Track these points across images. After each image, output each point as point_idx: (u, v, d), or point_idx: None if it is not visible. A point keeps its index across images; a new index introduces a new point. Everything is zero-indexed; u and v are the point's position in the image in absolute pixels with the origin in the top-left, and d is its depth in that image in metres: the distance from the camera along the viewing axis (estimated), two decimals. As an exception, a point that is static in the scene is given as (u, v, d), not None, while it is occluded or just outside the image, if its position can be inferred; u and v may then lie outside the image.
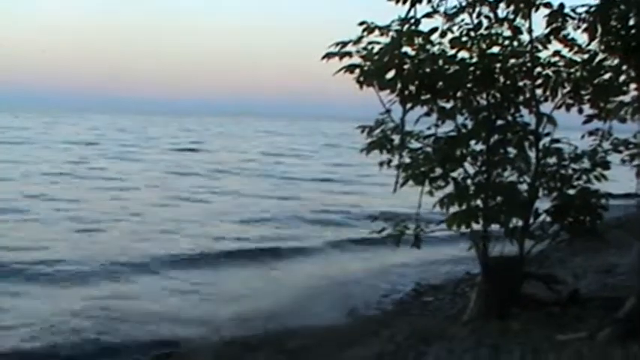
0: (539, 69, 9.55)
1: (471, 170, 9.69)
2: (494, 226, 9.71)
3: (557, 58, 9.54)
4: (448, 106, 9.54)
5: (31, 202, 25.18)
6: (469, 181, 9.66)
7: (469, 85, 9.47)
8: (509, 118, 9.68)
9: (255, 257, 17.57)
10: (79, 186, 30.99)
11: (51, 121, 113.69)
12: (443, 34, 9.40)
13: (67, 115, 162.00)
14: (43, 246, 17.51)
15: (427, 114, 9.53)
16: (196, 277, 15.31)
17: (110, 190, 29.80)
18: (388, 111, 9.48)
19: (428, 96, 9.36)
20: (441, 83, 9.28)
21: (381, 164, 9.78)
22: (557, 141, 9.69)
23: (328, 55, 9.11)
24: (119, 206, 25.08)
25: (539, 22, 9.31)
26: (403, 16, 9.16)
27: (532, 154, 9.59)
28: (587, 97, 9.54)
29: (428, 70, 9.18)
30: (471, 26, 9.47)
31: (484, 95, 9.57)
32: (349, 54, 9.12)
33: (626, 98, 9.43)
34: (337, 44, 9.11)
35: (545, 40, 9.45)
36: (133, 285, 14.66)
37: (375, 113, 9.64)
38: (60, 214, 22.66)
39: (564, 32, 9.33)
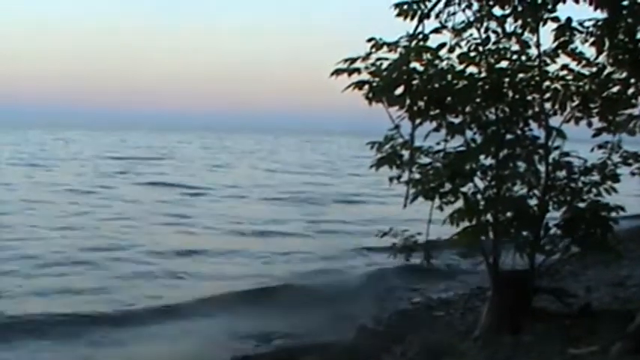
0: (547, 83, 9.56)
1: (481, 185, 9.68)
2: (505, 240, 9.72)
3: (565, 72, 9.55)
4: (457, 121, 9.54)
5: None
6: (479, 196, 9.65)
7: (478, 100, 9.48)
8: (519, 132, 9.68)
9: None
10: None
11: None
12: (451, 50, 9.44)
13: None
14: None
15: (436, 129, 9.54)
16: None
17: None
18: (397, 127, 9.49)
19: (437, 111, 9.37)
20: (449, 98, 9.29)
21: (390, 179, 9.79)
22: (567, 154, 9.69)
23: (337, 72, 9.13)
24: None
25: (547, 36, 9.35)
26: (411, 31, 9.21)
27: (542, 167, 9.58)
28: (595, 111, 9.56)
29: (436, 85, 9.19)
30: (479, 41, 9.51)
31: (493, 110, 9.58)
32: (358, 70, 9.12)
33: (635, 111, 9.44)
34: (346, 60, 9.13)
35: (553, 54, 9.47)
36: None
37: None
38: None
39: (572, 46, 9.35)
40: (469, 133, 9.65)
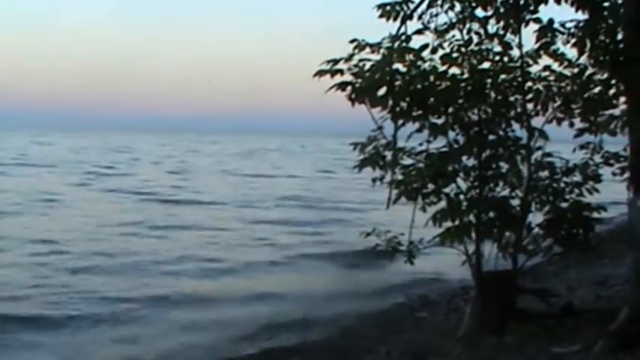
0: (529, 84, 9.63)
1: (464, 186, 9.73)
2: (488, 241, 9.76)
3: (547, 73, 9.63)
4: (440, 122, 9.59)
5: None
6: (461, 197, 9.70)
7: (460, 101, 9.53)
8: (501, 133, 9.75)
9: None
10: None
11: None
12: (434, 51, 9.48)
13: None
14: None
15: (419, 130, 9.57)
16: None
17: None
18: (380, 128, 9.51)
19: (419, 112, 9.41)
20: (432, 99, 9.34)
21: (373, 180, 9.81)
22: (549, 155, 9.75)
23: (320, 73, 9.13)
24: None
25: (529, 37, 9.40)
26: (394, 33, 9.23)
27: (524, 168, 9.64)
28: (577, 111, 9.64)
29: (419, 86, 9.24)
30: (461, 42, 9.57)
31: (475, 111, 9.63)
32: (341, 71, 9.15)
33: (616, 112, 9.53)
34: (329, 62, 9.14)
35: (535, 55, 9.53)
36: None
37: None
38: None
39: (554, 47, 9.42)
40: (452, 134, 9.70)
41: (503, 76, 9.60)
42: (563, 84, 9.57)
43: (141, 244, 21.35)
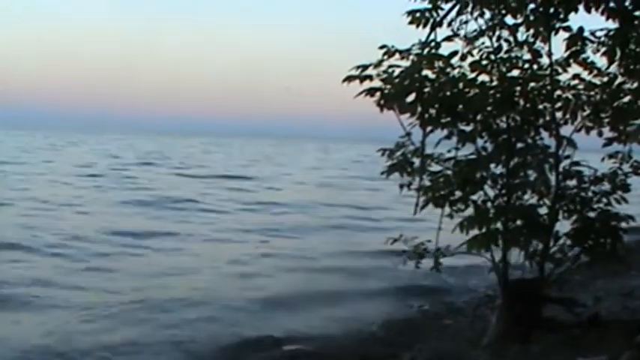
0: (558, 92, 9.59)
1: (491, 193, 9.69)
2: (515, 249, 9.72)
3: (576, 81, 9.58)
4: (468, 129, 9.58)
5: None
6: (489, 204, 9.66)
7: (489, 108, 9.51)
8: (529, 140, 9.70)
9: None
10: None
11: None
12: (463, 58, 9.46)
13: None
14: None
15: (447, 137, 9.58)
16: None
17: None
18: (408, 134, 9.52)
19: (448, 119, 9.40)
20: (461, 106, 9.32)
21: (401, 186, 9.81)
22: (577, 164, 9.70)
23: (349, 79, 9.16)
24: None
25: (558, 45, 9.37)
26: (424, 39, 9.25)
27: (552, 176, 9.60)
28: (606, 120, 9.59)
29: (448, 93, 9.21)
30: (491, 49, 9.53)
31: (504, 118, 9.60)
32: (370, 77, 9.16)
33: (645, 121, 9.46)
34: (358, 67, 9.16)
35: (564, 64, 9.49)
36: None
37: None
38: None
39: (584, 55, 9.37)
40: (480, 141, 9.67)
41: (532, 84, 9.57)
42: (592, 93, 9.53)
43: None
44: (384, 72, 9.16)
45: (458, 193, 9.65)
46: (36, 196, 33.33)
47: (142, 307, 13.80)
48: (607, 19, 9.03)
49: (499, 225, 9.62)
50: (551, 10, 9.26)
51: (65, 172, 49.67)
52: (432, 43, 9.28)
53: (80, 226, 24.29)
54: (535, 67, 9.58)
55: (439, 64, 9.23)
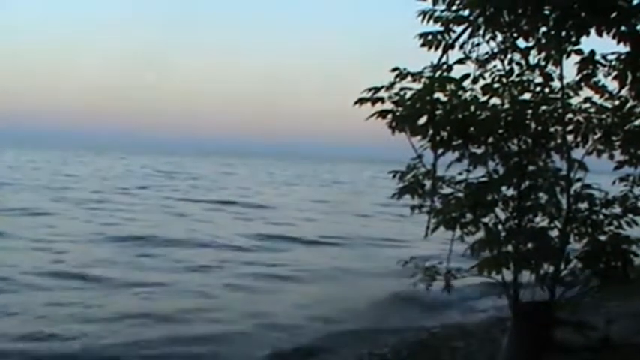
0: (570, 115, 9.61)
1: (502, 216, 9.70)
2: (525, 272, 9.72)
3: (588, 105, 9.60)
4: (480, 151, 9.60)
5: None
6: (500, 227, 9.68)
7: (500, 131, 9.52)
8: (541, 163, 9.73)
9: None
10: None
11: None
12: (475, 81, 9.48)
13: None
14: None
15: (459, 159, 9.60)
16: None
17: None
18: (420, 156, 9.55)
19: (459, 142, 9.42)
20: (472, 129, 9.34)
21: (412, 209, 9.84)
22: (588, 187, 9.69)
23: (361, 101, 9.20)
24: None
25: (570, 68, 9.39)
26: (435, 62, 9.28)
27: (563, 199, 9.59)
28: (617, 143, 9.60)
29: (460, 116, 9.24)
30: (502, 72, 9.56)
31: (515, 141, 9.61)
32: (382, 99, 9.20)
33: (656, 145, 9.47)
34: (370, 90, 9.20)
35: (576, 87, 9.52)
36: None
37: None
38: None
39: (595, 79, 9.35)
40: (491, 164, 9.69)
41: (543, 107, 9.58)
42: (603, 116, 9.55)
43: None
44: (396, 94, 9.20)
45: (469, 216, 9.67)
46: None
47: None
48: (618, 42, 9.03)
49: (510, 247, 9.62)
50: (563, 33, 9.28)
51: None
52: (444, 66, 9.30)
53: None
54: (546, 90, 9.60)
55: (451, 86, 9.24)
